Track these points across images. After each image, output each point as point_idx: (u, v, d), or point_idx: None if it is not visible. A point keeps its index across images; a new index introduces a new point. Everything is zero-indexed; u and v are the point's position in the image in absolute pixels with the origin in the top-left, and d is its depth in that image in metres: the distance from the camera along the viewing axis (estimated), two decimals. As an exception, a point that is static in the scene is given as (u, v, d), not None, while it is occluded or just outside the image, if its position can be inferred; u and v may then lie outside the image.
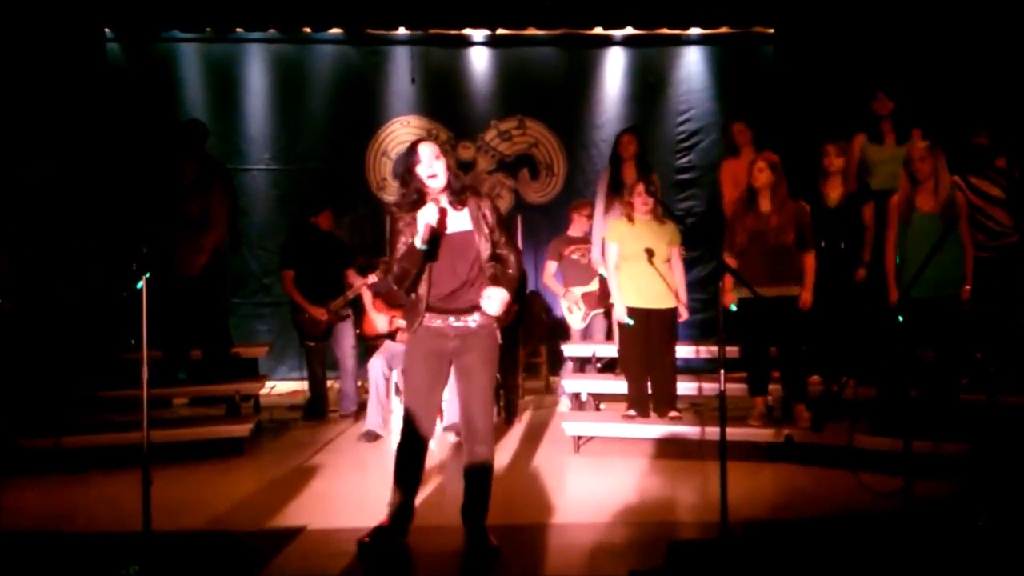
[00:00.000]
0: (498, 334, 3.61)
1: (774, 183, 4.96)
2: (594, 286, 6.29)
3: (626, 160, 6.03)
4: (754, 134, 6.14)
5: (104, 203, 6.27)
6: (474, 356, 3.53)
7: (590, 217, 6.37)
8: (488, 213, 3.55)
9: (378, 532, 3.56)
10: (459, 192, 3.53)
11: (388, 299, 6.02)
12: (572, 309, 6.38)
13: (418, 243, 3.37)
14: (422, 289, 3.49)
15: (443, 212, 3.46)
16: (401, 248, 3.47)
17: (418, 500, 4.22)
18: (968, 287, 4.72)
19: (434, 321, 3.52)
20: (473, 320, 3.53)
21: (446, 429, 5.57)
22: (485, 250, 3.51)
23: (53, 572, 3.47)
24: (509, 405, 6.21)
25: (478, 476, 3.56)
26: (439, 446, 5.39)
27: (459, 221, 3.54)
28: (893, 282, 4.82)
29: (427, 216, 3.38)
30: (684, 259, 5.46)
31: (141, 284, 3.24)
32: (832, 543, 3.66)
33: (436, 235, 3.43)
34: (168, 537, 3.59)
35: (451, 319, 3.51)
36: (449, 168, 3.51)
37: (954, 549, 3.41)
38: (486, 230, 3.52)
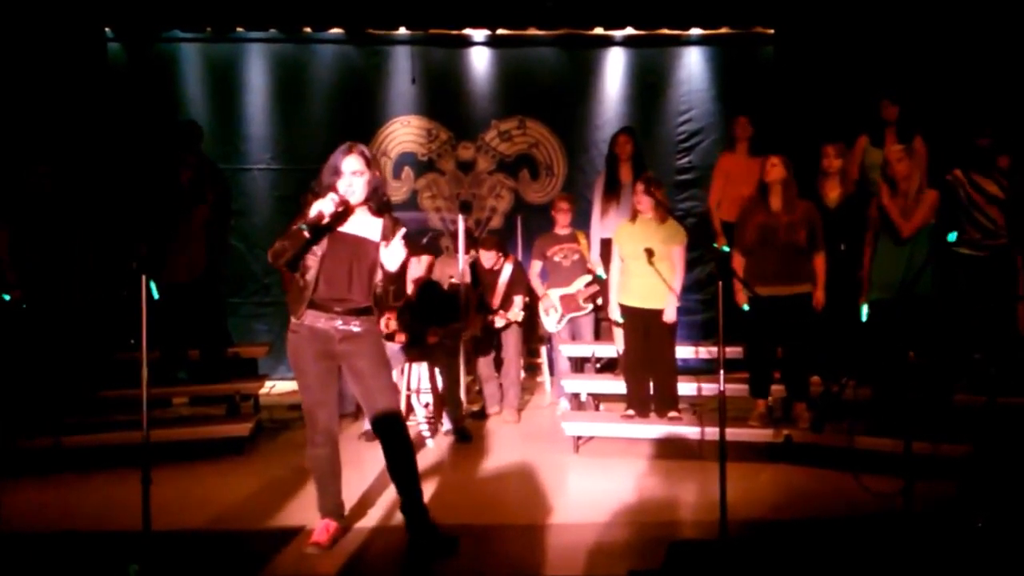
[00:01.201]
0: (382, 337, 3.73)
1: (786, 180, 4.96)
2: (574, 288, 6.28)
3: (622, 160, 6.04)
4: (754, 131, 6.14)
5: (104, 203, 6.27)
6: (364, 360, 3.57)
7: (567, 212, 6.38)
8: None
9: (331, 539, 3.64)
10: (380, 206, 3.58)
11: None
12: (548, 311, 6.36)
13: (302, 225, 3.40)
14: (310, 276, 3.50)
15: (342, 205, 3.44)
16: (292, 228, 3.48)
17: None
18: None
19: (319, 321, 3.54)
20: (356, 325, 3.55)
21: (445, 433, 5.59)
22: (380, 269, 3.54)
23: (53, 572, 3.48)
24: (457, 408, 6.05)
25: (402, 469, 3.58)
26: (439, 446, 5.39)
27: (370, 228, 3.58)
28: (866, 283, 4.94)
29: (322, 204, 3.40)
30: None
31: (155, 288, 3.25)
32: (832, 544, 3.67)
33: (322, 226, 3.43)
34: (168, 536, 3.60)
35: (337, 322, 3.54)
36: (371, 183, 3.53)
37: (953, 550, 3.42)
38: None
